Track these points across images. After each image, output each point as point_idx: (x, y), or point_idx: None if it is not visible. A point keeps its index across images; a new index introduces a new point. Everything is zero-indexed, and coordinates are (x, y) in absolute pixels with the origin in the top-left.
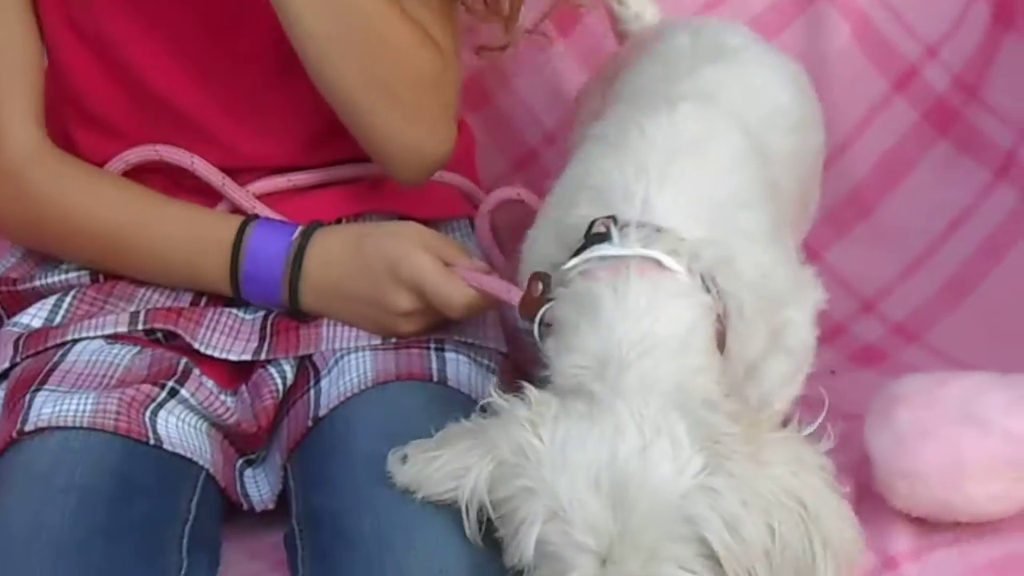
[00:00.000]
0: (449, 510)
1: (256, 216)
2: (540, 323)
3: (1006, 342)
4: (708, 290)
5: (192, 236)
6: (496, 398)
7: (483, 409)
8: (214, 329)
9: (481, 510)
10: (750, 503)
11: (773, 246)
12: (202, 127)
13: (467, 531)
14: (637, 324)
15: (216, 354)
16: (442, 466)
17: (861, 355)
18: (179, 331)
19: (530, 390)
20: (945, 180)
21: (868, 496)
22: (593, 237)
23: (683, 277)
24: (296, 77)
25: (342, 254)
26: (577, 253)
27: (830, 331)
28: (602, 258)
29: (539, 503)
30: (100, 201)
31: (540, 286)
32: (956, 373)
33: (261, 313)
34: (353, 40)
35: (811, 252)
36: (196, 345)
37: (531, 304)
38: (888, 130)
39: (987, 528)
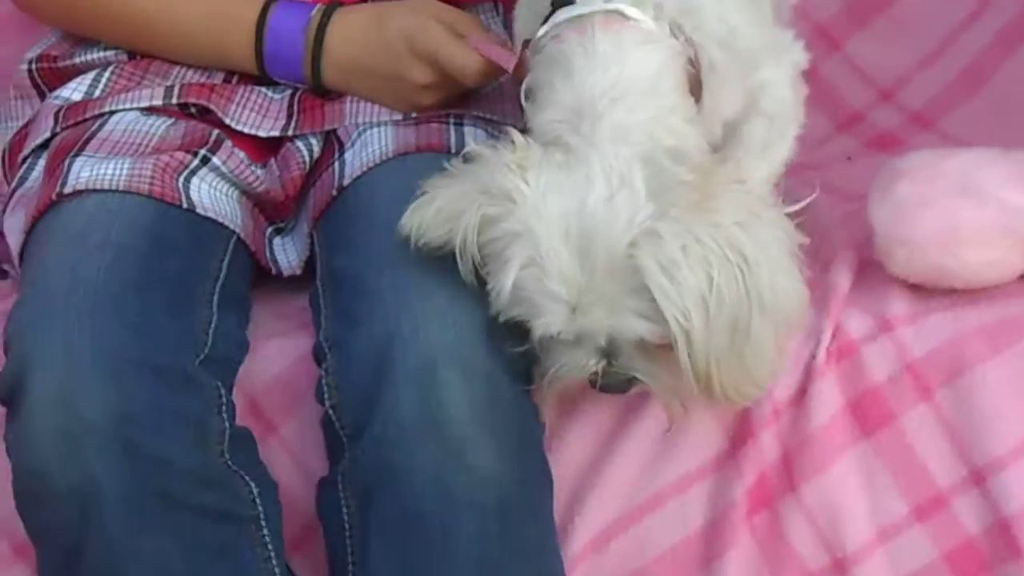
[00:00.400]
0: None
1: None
2: (524, 89)
3: (1015, 129)
4: (675, 36)
5: (218, 14)
6: (479, 148)
7: (465, 159)
8: (244, 106)
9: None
10: (689, 248)
11: (745, 5)
12: None
13: (461, 271)
14: (606, 73)
15: (246, 130)
16: (438, 211)
17: (877, 141)
18: (211, 106)
19: (515, 134)
20: None
21: (869, 265)
22: (559, 2)
23: (648, 24)
24: None
25: (361, 30)
26: (546, 20)
27: (847, 119)
28: (569, 20)
29: (521, 247)
30: None
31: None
32: (957, 149)
33: (288, 92)
34: None
35: (831, 43)
36: (227, 120)
37: (521, 70)
38: None
39: (981, 295)
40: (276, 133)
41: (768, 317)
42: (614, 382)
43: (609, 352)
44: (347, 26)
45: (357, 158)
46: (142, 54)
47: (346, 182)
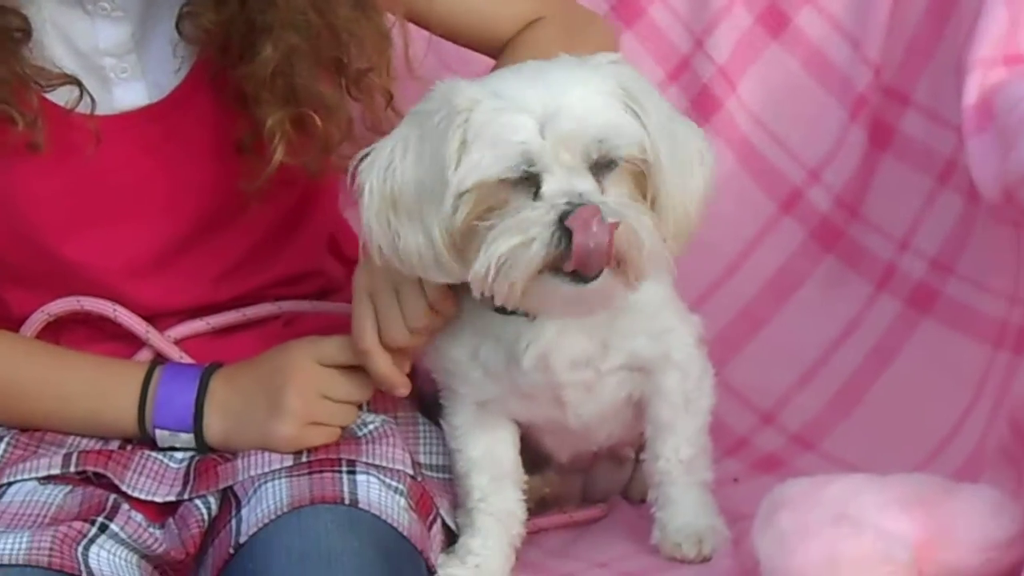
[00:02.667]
0: None
1: (156, 362)
2: None
3: (890, 446)
4: None
5: (97, 383)
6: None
7: None
8: (141, 473)
9: None
10: None
11: None
12: (110, 288)
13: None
14: None
15: (143, 496)
16: None
17: (762, 463)
18: (108, 473)
19: None
20: (833, 294)
21: None
22: None
23: None
24: (199, 238)
25: (245, 376)
26: None
27: (734, 444)
28: None
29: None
30: (9, 354)
31: None
32: (835, 476)
33: (186, 460)
34: None
35: None
36: (124, 487)
37: None
38: (778, 249)
39: None
40: (172, 498)
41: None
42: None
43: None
44: (229, 375)
45: (252, 513)
46: (15, 424)
47: (243, 539)
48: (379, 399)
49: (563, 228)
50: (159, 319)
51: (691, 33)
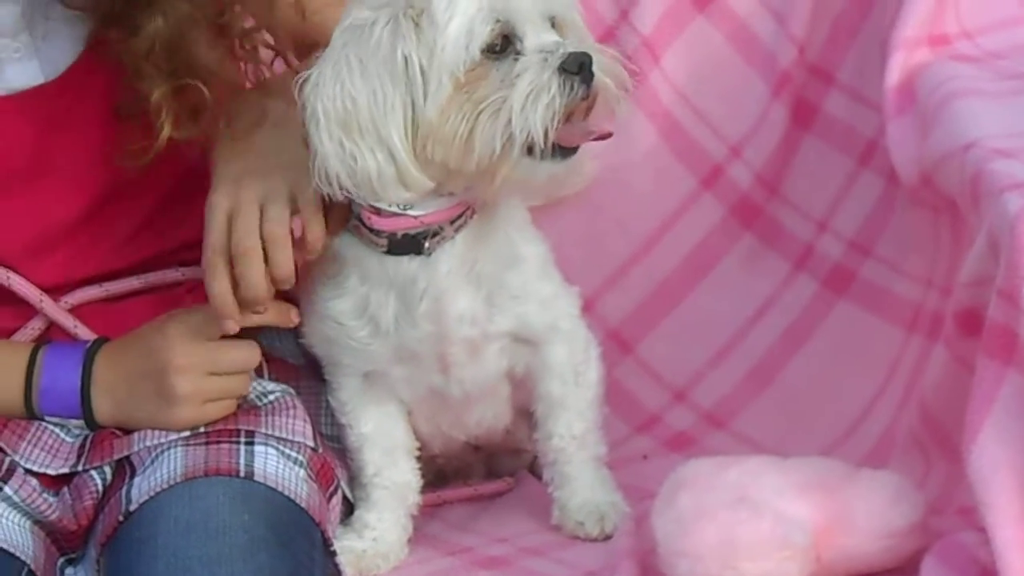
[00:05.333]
0: None
1: (39, 345)
2: None
3: (800, 427)
4: None
5: None
6: None
7: None
8: (35, 445)
9: None
10: None
11: None
12: (9, 263)
13: None
14: None
15: (36, 468)
16: None
17: (673, 441)
18: (1, 443)
19: None
20: (749, 272)
21: None
22: None
23: None
24: (98, 211)
25: (126, 357)
26: None
27: (645, 421)
28: None
29: None
30: None
31: None
32: (737, 457)
33: (82, 434)
34: None
35: (622, 346)
36: (16, 458)
37: None
38: (696, 225)
39: None
40: (65, 470)
41: None
42: (582, 58)
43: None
44: (111, 354)
45: (146, 482)
46: None
47: (132, 507)
48: (281, 369)
49: (568, 74)
50: (59, 290)
51: (617, 4)
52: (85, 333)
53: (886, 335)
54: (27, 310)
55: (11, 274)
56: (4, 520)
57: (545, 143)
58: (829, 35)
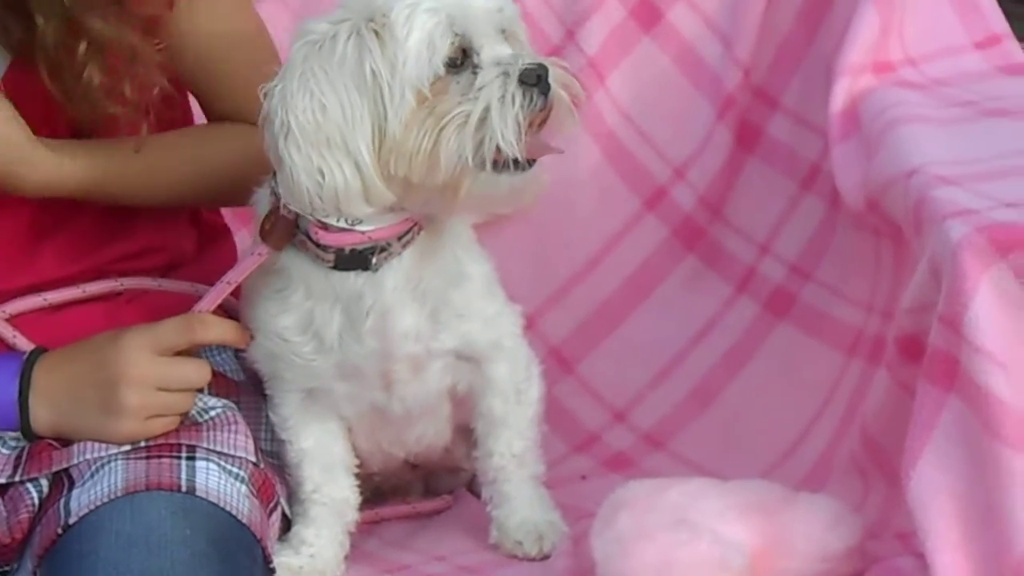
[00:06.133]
0: None
1: None
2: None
3: (739, 448)
4: None
5: None
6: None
7: None
8: None
9: None
10: None
11: None
12: None
13: None
14: None
15: None
16: None
17: (612, 462)
18: None
19: None
20: (692, 293)
21: None
22: None
23: None
24: (36, 222)
25: (72, 366)
26: None
27: (584, 440)
28: None
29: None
30: None
31: None
32: (677, 479)
33: (19, 446)
34: None
35: (563, 364)
36: None
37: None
38: (639, 246)
39: None
40: (2, 480)
41: None
42: (542, 69)
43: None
44: (53, 362)
45: (85, 494)
46: None
47: (72, 520)
48: (222, 385)
49: (527, 86)
50: None
51: (563, 24)
52: (24, 344)
53: (826, 358)
54: None
55: None
56: None
57: (513, 155)
58: (774, 59)
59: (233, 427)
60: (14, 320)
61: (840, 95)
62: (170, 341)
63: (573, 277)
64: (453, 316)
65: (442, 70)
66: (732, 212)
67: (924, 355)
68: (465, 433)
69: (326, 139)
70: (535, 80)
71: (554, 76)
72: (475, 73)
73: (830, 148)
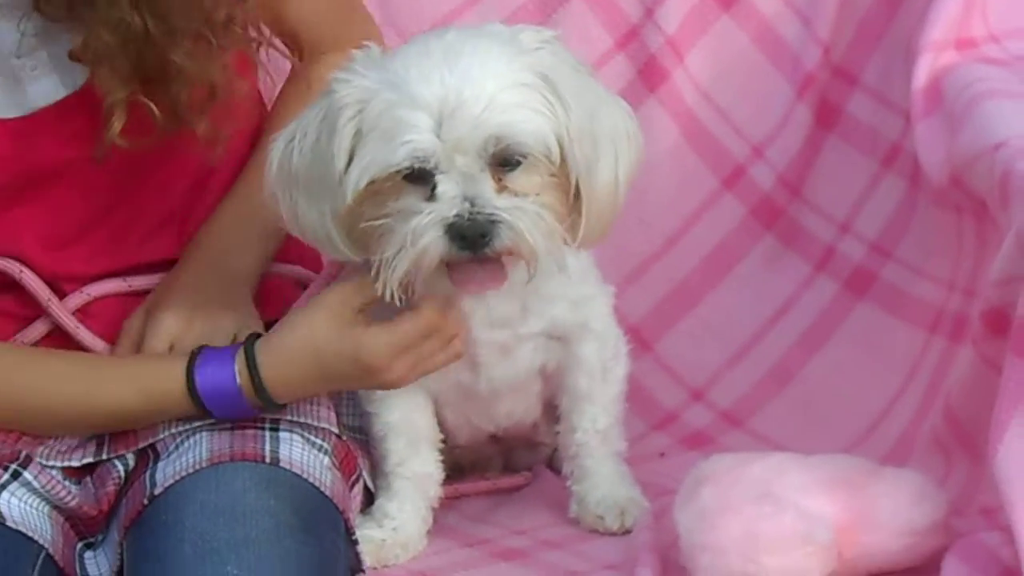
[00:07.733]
0: None
1: (193, 354)
2: None
3: (819, 426)
4: None
5: (143, 394)
6: None
7: None
8: (53, 448)
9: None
10: None
11: None
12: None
13: None
14: None
15: (58, 463)
16: None
17: (690, 439)
18: (21, 447)
19: None
20: (769, 273)
21: (675, 570)
22: None
23: None
24: (116, 209)
25: (298, 357)
26: None
27: (662, 419)
28: None
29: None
30: (46, 378)
31: None
32: (760, 453)
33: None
34: None
35: (641, 343)
36: (38, 459)
37: None
38: (717, 225)
39: None
40: (89, 459)
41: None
42: (475, 230)
43: (469, 193)
44: (278, 358)
45: (171, 466)
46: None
47: (157, 491)
48: None
49: (453, 232)
50: (79, 280)
51: (642, 2)
52: (86, 335)
53: (907, 336)
54: (24, 317)
55: (24, 269)
56: (23, 505)
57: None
58: (854, 37)
59: (316, 400)
60: (91, 305)
61: (923, 71)
62: (356, 303)
63: (651, 256)
64: (541, 303)
65: (400, 171)
66: (811, 191)
67: (1010, 329)
68: (549, 408)
69: (304, 187)
70: (463, 238)
71: (510, 225)
72: (433, 190)
73: (913, 124)
